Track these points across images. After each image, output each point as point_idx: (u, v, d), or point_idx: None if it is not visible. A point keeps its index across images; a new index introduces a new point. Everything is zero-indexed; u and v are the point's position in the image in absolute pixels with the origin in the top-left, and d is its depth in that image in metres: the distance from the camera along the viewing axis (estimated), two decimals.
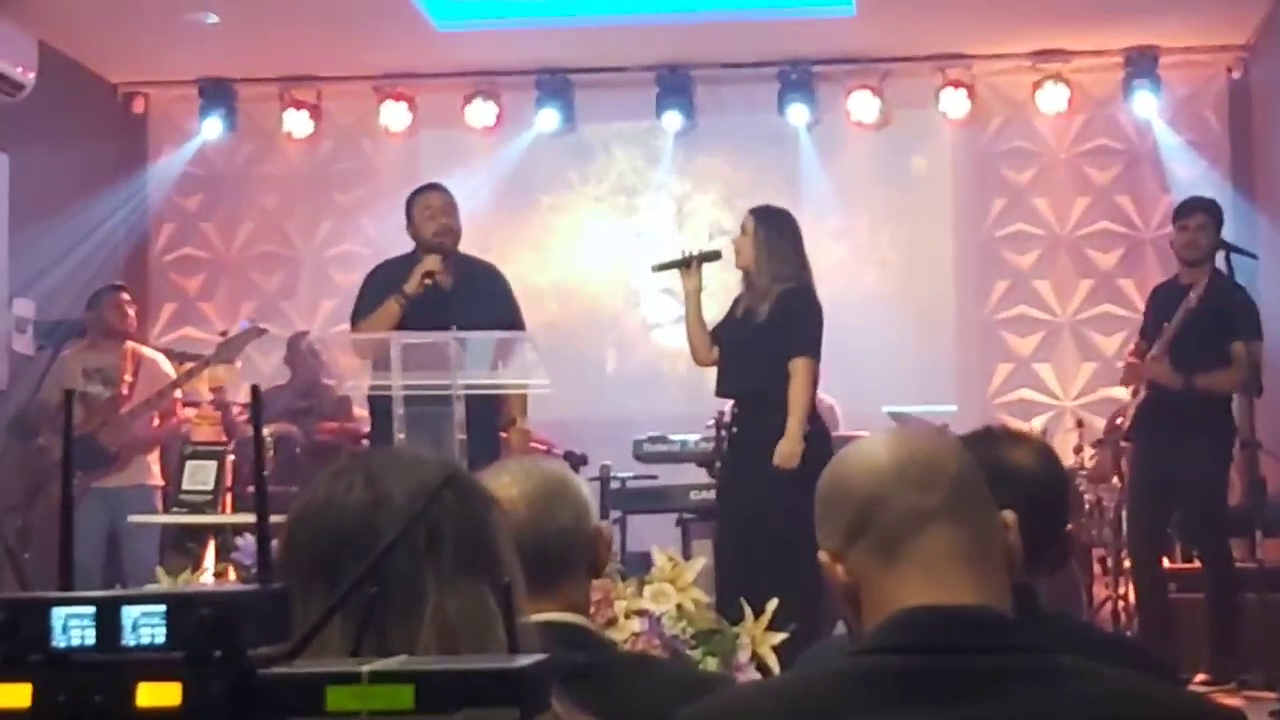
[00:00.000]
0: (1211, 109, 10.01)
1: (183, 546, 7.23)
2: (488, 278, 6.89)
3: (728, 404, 7.48)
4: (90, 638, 1.23)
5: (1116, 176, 10.06)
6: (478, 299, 6.65)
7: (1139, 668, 2.02)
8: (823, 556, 1.87)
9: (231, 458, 7.14)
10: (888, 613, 1.76)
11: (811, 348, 6.54)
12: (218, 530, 6.76)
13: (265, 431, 8.38)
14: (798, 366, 6.45)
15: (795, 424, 6.38)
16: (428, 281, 6.55)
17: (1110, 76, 9.97)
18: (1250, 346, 7.07)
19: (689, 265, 6.78)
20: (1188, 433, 7.06)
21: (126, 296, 8.40)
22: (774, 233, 6.67)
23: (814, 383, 6.57)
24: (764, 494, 6.29)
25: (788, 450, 6.31)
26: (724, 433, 6.87)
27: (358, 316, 6.72)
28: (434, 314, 6.41)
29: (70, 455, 1.41)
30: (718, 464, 6.93)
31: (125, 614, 1.23)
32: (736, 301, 6.81)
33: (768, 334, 6.52)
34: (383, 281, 6.72)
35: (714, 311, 6.91)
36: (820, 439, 6.52)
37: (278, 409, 8.49)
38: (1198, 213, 7.36)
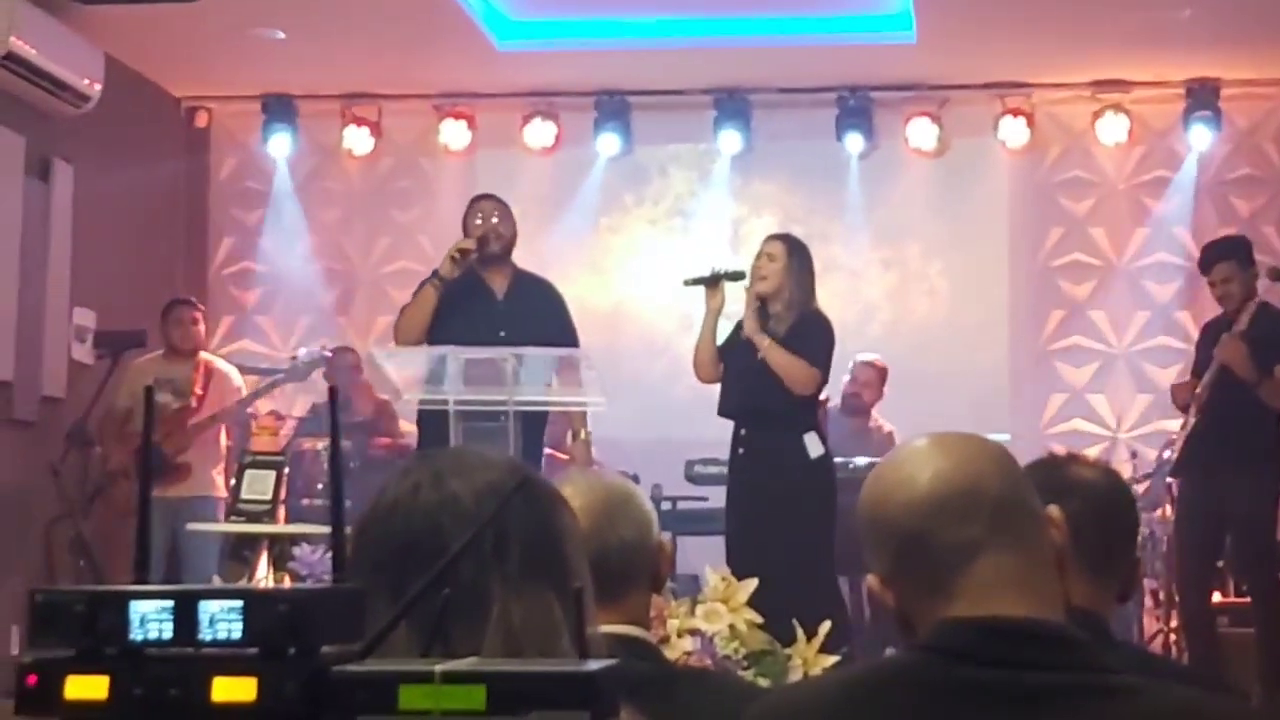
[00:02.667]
0: (1272, 141, 9.95)
1: (239, 555, 7.28)
2: (541, 291, 6.93)
3: None
4: (168, 631, 1.25)
5: (1175, 208, 10.00)
6: (530, 311, 6.70)
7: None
8: (872, 582, 1.86)
9: (287, 470, 7.19)
10: (945, 618, 1.76)
11: (821, 362, 6.62)
12: (273, 540, 6.80)
13: (319, 446, 8.47)
14: (810, 369, 6.54)
15: (763, 338, 6.58)
16: (455, 256, 6.60)
17: (1170, 108, 9.93)
18: None
19: (716, 282, 6.85)
20: (1236, 465, 7.01)
21: (193, 313, 8.45)
22: (805, 265, 6.77)
23: (812, 392, 6.63)
24: (778, 515, 6.33)
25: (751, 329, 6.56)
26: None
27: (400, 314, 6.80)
28: (484, 322, 6.48)
29: (150, 449, 1.43)
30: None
31: (203, 609, 1.24)
32: (741, 325, 6.83)
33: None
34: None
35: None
36: (831, 466, 6.58)
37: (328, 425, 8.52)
38: (1218, 264, 7.31)
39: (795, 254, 6.78)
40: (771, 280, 6.71)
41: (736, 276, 6.90)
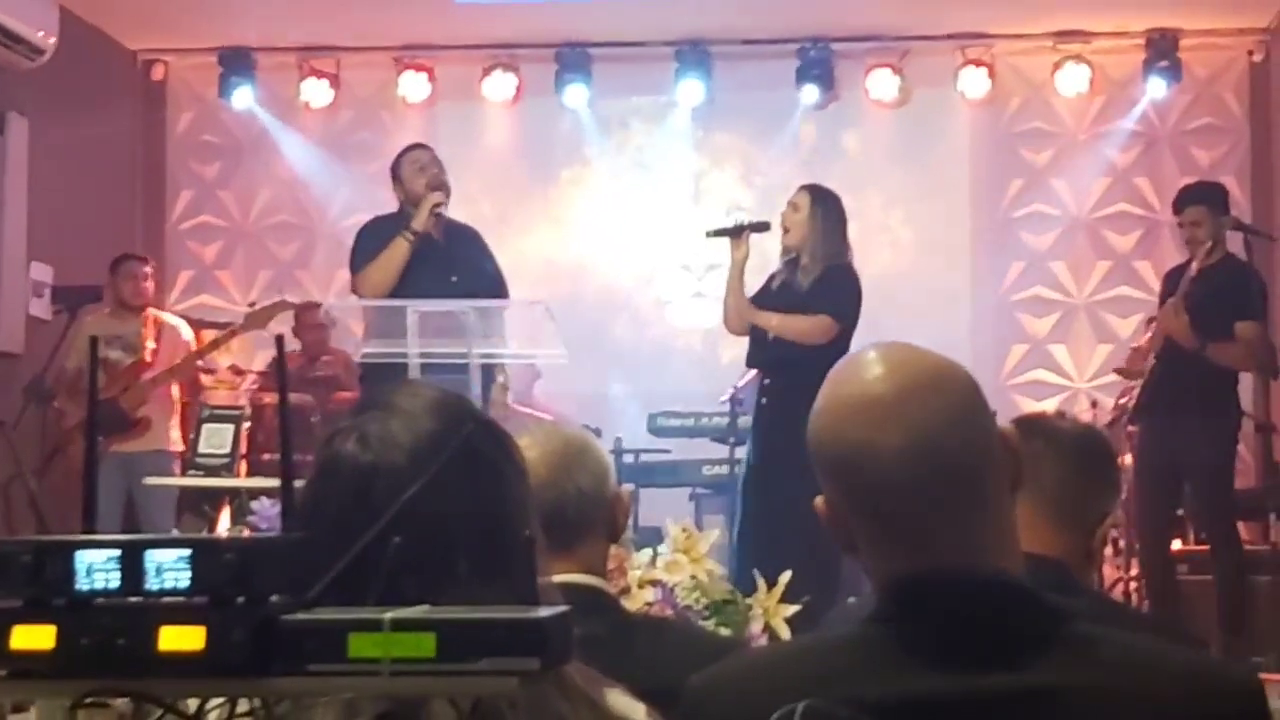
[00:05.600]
0: (1232, 91, 9.96)
1: (199, 508, 7.25)
2: (473, 237, 6.94)
3: (741, 381, 7.51)
4: (114, 581, 1.24)
5: (1135, 159, 10.02)
6: (469, 256, 6.70)
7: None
8: (820, 504, 1.83)
9: (247, 425, 7.16)
10: (891, 572, 1.74)
11: (841, 313, 6.59)
12: (233, 494, 6.78)
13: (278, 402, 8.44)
14: (818, 319, 6.50)
15: (766, 317, 6.58)
16: (439, 211, 6.59)
17: (1131, 58, 9.93)
18: (1255, 326, 7.03)
19: (740, 234, 6.84)
20: (1194, 414, 7.04)
21: (144, 268, 8.40)
22: (829, 213, 6.74)
23: (828, 340, 6.54)
24: (792, 465, 6.30)
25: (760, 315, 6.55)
26: (736, 407, 6.89)
27: (360, 264, 6.70)
28: (430, 270, 6.47)
29: (95, 401, 1.41)
30: (731, 439, 6.95)
31: (149, 558, 1.24)
32: (772, 277, 6.83)
33: (805, 305, 6.56)
34: (373, 234, 6.75)
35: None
36: None
37: (291, 379, 8.49)
38: (1190, 206, 7.33)
39: (820, 204, 6.74)
40: (795, 232, 6.70)
41: (761, 228, 6.90)
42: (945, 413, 1.77)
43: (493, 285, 6.66)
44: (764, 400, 6.70)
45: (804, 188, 6.93)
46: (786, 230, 6.73)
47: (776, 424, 6.49)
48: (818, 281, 6.62)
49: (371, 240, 6.72)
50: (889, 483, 1.73)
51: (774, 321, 6.59)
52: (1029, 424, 2.90)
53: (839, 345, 6.61)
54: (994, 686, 1.64)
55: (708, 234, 7.13)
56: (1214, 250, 7.17)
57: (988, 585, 1.71)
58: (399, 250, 6.55)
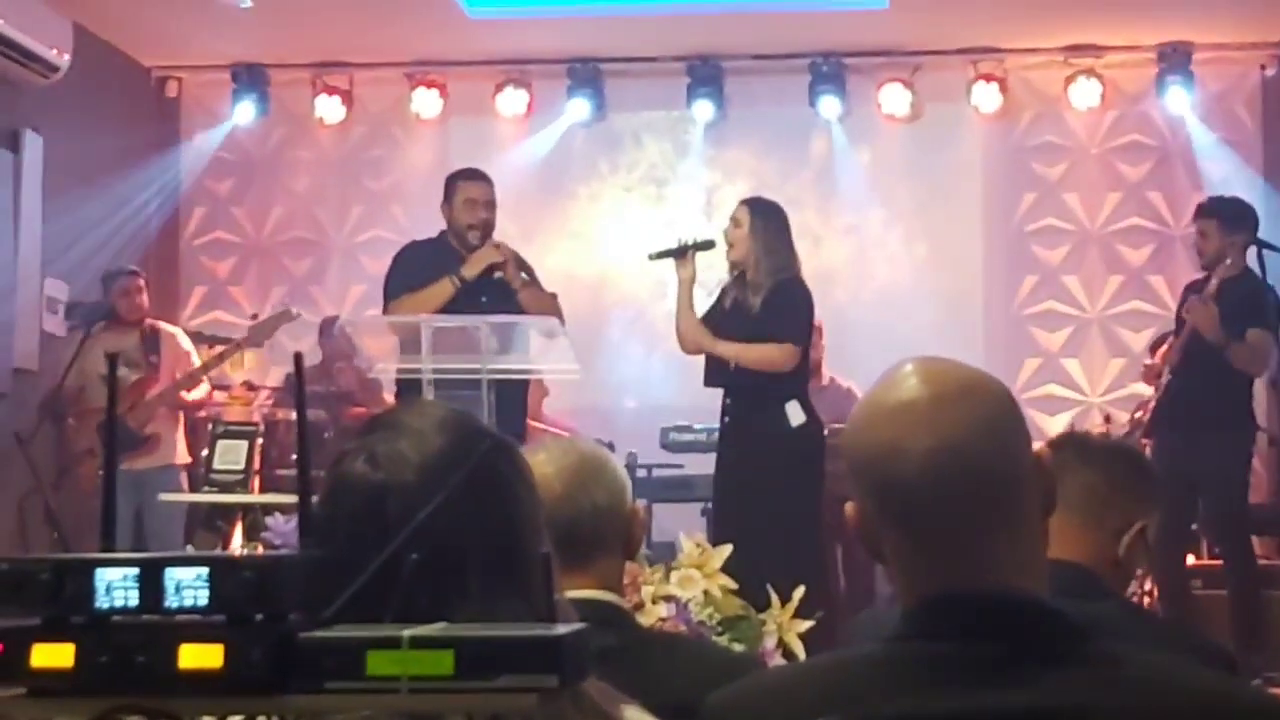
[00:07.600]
0: (1245, 106, 9.96)
1: (213, 524, 7.26)
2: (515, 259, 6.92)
3: None
4: (133, 599, 1.24)
5: (1148, 173, 10.02)
6: (503, 288, 6.65)
7: (1198, 656, 1.99)
8: (850, 511, 1.82)
9: (260, 441, 7.17)
10: (916, 588, 1.74)
11: (799, 336, 6.54)
12: (247, 510, 6.78)
13: (293, 417, 8.44)
14: (782, 348, 6.46)
15: (725, 347, 6.52)
16: (497, 275, 6.56)
17: (1143, 72, 9.93)
18: (1266, 334, 7.04)
19: (685, 254, 6.75)
20: (1208, 428, 7.03)
21: (136, 282, 8.38)
22: (770, 226, 6.64)
23: (793, 368, 6.53)
24: (759, 484, 6.29)
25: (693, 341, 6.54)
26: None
27: (396, 291, 6.66)
28: (461, 293, 6.46)
29: (113, 416, 1.42)
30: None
31: (169, 576, 1.24)
32: (724, 293, 6.79)
33: (760, 325, 6.51)
34: (414, 262, 6.72)
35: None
36: (815, 433, 6.51)
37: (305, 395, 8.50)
38: (1201, 217, 7.38)
39: (759, 217, 6.63)
40: (738, 247, 6.62)
41: (705, 246, 6.79)
42: (977, 421, 1.76)
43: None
44: (727, 419, 6.66)
45: (743, 202, 6.86)
46: (731, 246, 6.67)
47: (742, 442, 6.49)
48: (769, 300, 6.54)
49: (413, 269, 6.66)
50: (916, 485, 1.72)
51: (731, 352, 6.53)
52: (1061, 440, 2.93)
53: (801, 366, 6.63)
54: (1016, 706, 1.64)
55: (650, 256, 7.01)
56: (1230, 265, 7.18)
57: (1011, 604, 1.70)
58: (442, 292, 6.50)
